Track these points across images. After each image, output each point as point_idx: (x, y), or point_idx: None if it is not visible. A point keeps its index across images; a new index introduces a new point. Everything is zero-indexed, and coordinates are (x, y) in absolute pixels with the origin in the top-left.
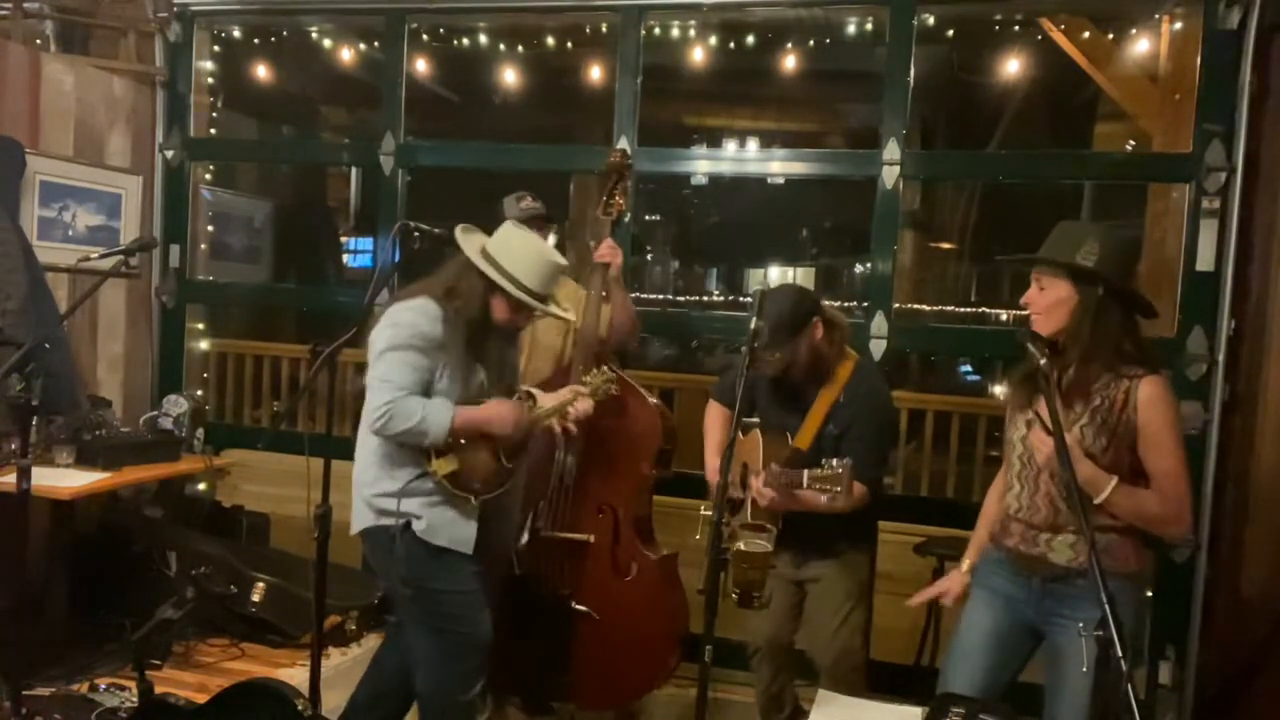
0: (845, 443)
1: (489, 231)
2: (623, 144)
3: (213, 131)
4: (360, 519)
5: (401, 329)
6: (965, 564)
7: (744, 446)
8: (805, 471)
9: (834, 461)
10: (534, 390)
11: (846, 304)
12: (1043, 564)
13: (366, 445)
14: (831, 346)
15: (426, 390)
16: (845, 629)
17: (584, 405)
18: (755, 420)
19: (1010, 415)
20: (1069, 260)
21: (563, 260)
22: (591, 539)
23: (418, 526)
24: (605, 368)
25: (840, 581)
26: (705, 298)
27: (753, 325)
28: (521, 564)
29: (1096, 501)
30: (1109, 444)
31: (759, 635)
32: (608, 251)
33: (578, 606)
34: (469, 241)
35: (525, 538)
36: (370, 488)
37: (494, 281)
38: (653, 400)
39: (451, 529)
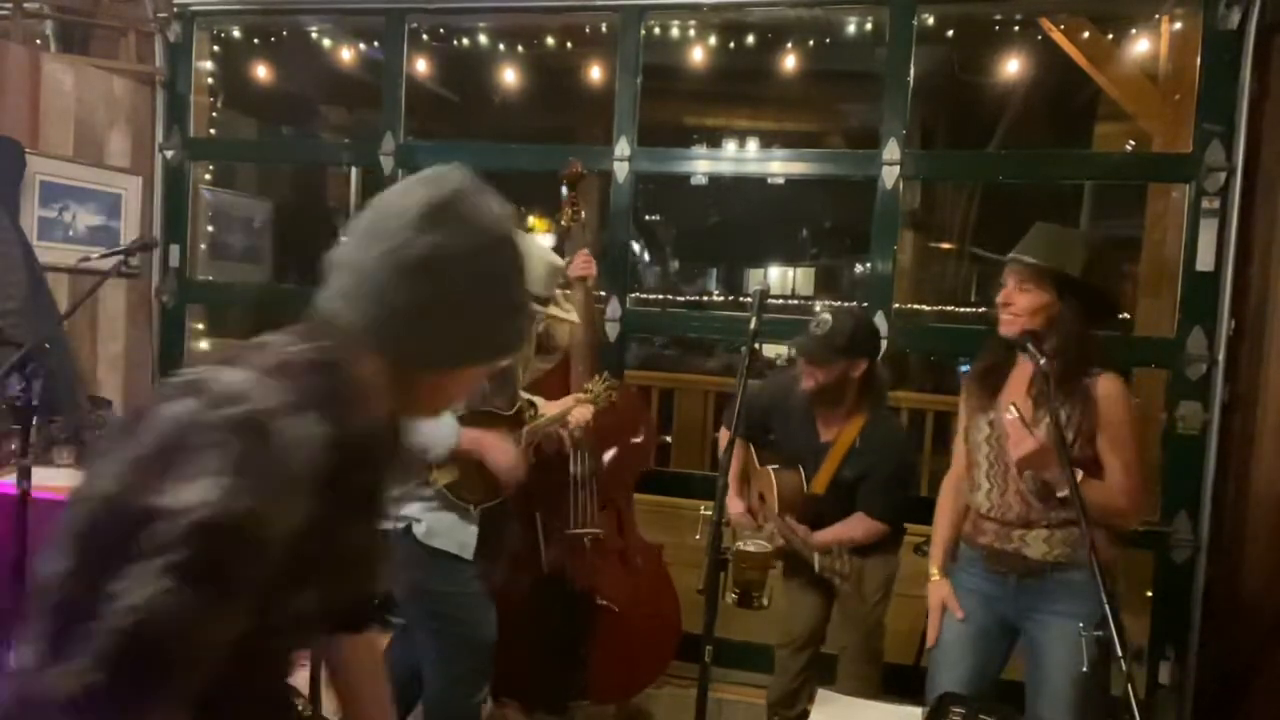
0: (862, 487)
1: None
2: (622, 146)
3: (213, 131)
4: None
5: None
6: (936, 571)
7: (760, 479)
8: (816, 556)
9: (845, 556)
10: (535, 399)
11: (846, 304)
12: (1018, 560)
13: None
14: (860, 391)
15: None
16: (874, 614)
17: (582, 413)
18: (768, 445)
19: (969, 416)
20: (1060, 267)
21: (560, 261)
22: (601, 533)
23: (417, 530)
24: (605, 376)
25: (874, 572)
26: (705, 298)
27: (752, 325)
28: (549, 564)
29: (1060, 495)
30: (1074, 440)
31: (794, 630)
32: (583, 264)
33: (600, 601)
34: None
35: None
36: None
37: None
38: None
39: (450, 533)
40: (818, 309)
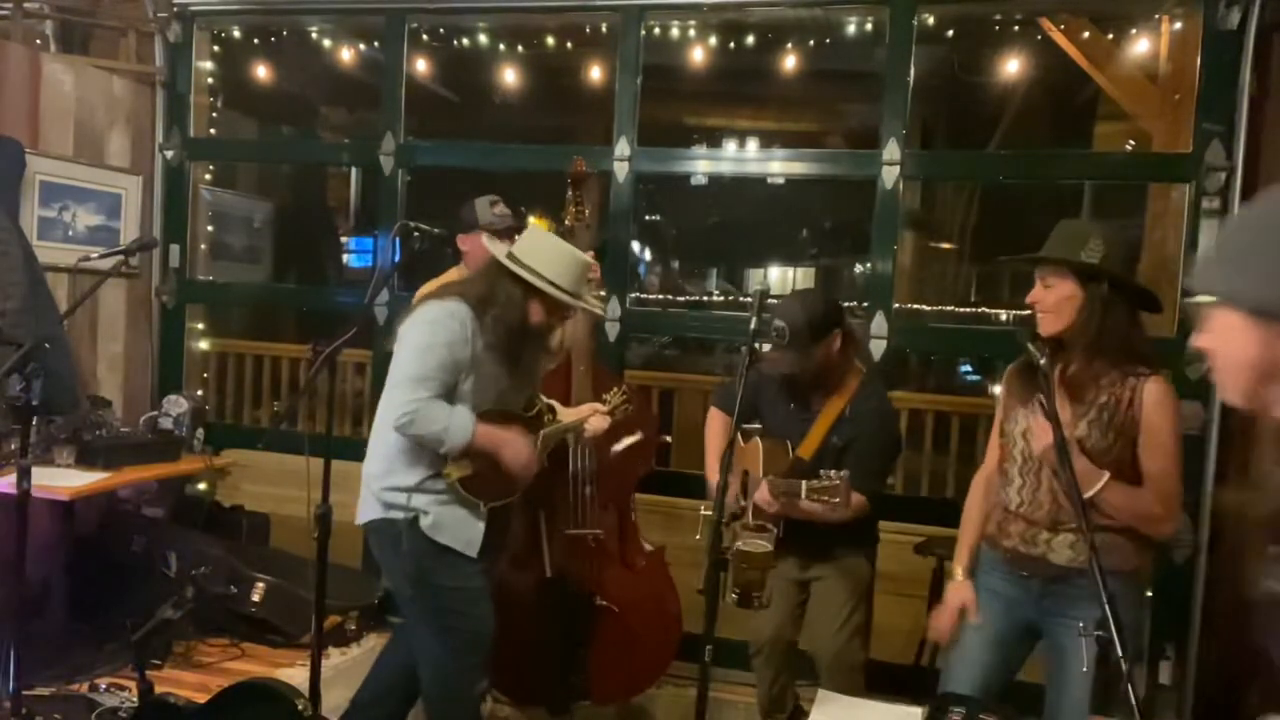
0: (848, 455)
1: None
2: (622, 146)
3: (213, 131)
4: (366, 510)
5: (436, 329)
6: (960, 572)
7: (745, 454)
8: (804, 483)
9: (832, 473)
10: (555, 403)
11: (846, 304)
12: (1043, 564)
13: (382, 438)
14: (844, 360)
15: (451, 393)
16: (847, 629)
17: (600, 423)
18: (756, 427)
19: (1009, 409)
20: (1074, 258)
21: (589, 259)
22: (601, 534)
23: (424, 522)
24: (623, 389)
25: (842, 582)
26: (705, 298)
27: (751, 326)
28: (553, 565)
29: (1088, 496)
30: (1114, 441)
31: (761, 635)
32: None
33: (601, 602)
34: (495, 249)
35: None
36: (380, 480)
37: (531, 285)
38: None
39: (457, 529)
40: (768, 316)
